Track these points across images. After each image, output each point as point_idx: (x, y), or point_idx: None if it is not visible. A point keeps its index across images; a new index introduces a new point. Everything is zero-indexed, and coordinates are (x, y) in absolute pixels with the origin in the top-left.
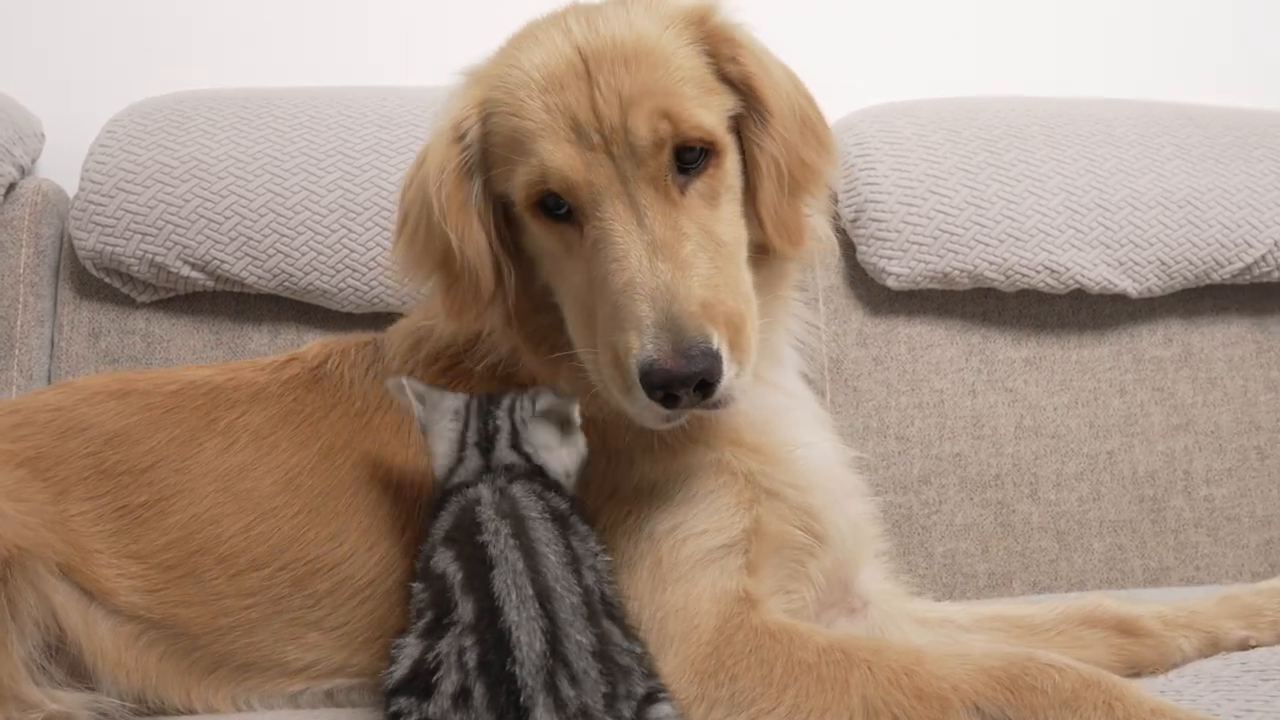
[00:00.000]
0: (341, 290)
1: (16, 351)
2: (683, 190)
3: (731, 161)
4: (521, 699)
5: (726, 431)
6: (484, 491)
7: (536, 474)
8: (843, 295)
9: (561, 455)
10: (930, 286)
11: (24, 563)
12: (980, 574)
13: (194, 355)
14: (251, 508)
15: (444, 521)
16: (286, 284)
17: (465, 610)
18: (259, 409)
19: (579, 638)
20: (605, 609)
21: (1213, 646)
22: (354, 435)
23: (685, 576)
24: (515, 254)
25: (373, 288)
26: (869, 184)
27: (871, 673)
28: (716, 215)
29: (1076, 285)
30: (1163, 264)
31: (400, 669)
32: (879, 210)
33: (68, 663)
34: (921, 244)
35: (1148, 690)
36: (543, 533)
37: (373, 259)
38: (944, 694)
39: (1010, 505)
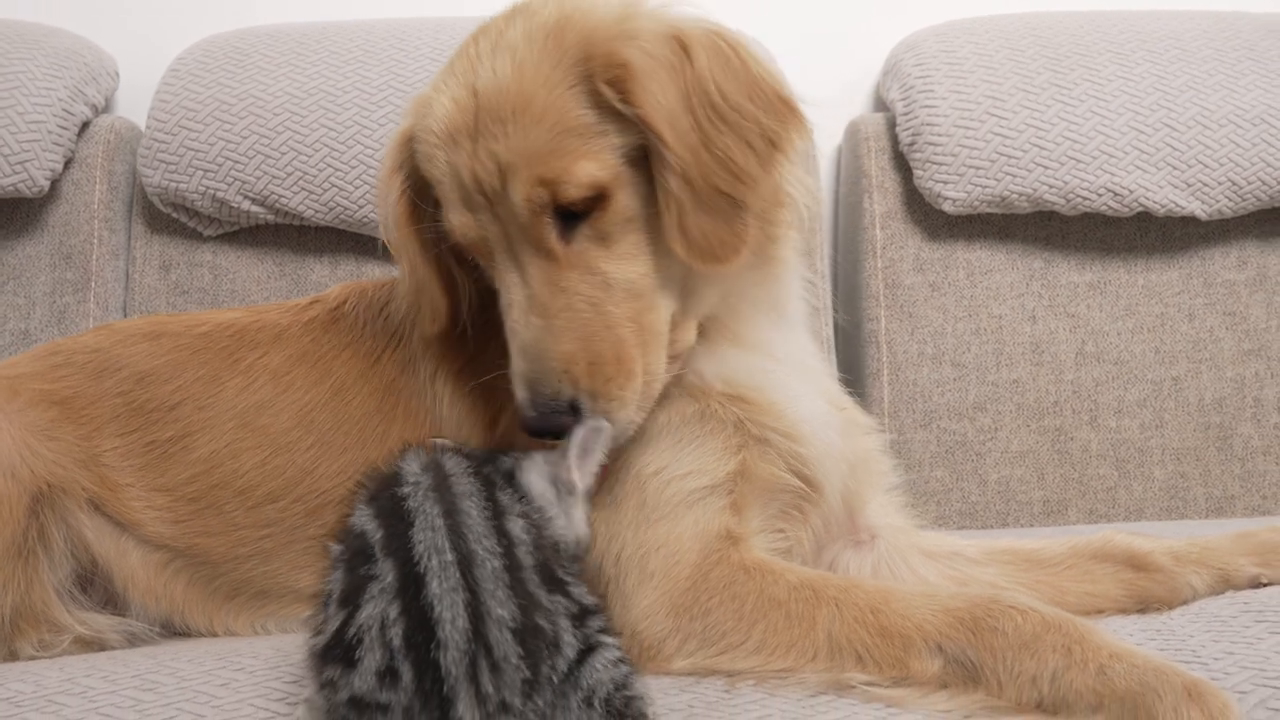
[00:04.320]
0: None
1: (93, 284)
2: (569, 239)
3: (625, 197)
4: (445, 689)
5: (713, 386)
6: (410, 458)
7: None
8: (899, 220)
9: (559, 516)
10: (989, 210)
11: (54, 498)
12: (1035, 501)
13: (258, 286)
14: (268, 443)
15: (365, 490)
16: (342, 217)
17: (385, 568)
18: (279, 349)
19: (500, 611)
20: (536, 560)
21: (1224, 584)
22: (364, 373)
23: (668, 516)
24: None
25: None
26: (926, 106)
27: (839, 610)
28: (610, 253)
29: (1141, 208)
30: (1234, 184)
31: (323, 636)
32: (935, 134)
33: (100, 591)
34: (979, 167)
35: (1111, 634)
36: (465, 485)
37: None
38: (907, 633)
39: (1068, 432)
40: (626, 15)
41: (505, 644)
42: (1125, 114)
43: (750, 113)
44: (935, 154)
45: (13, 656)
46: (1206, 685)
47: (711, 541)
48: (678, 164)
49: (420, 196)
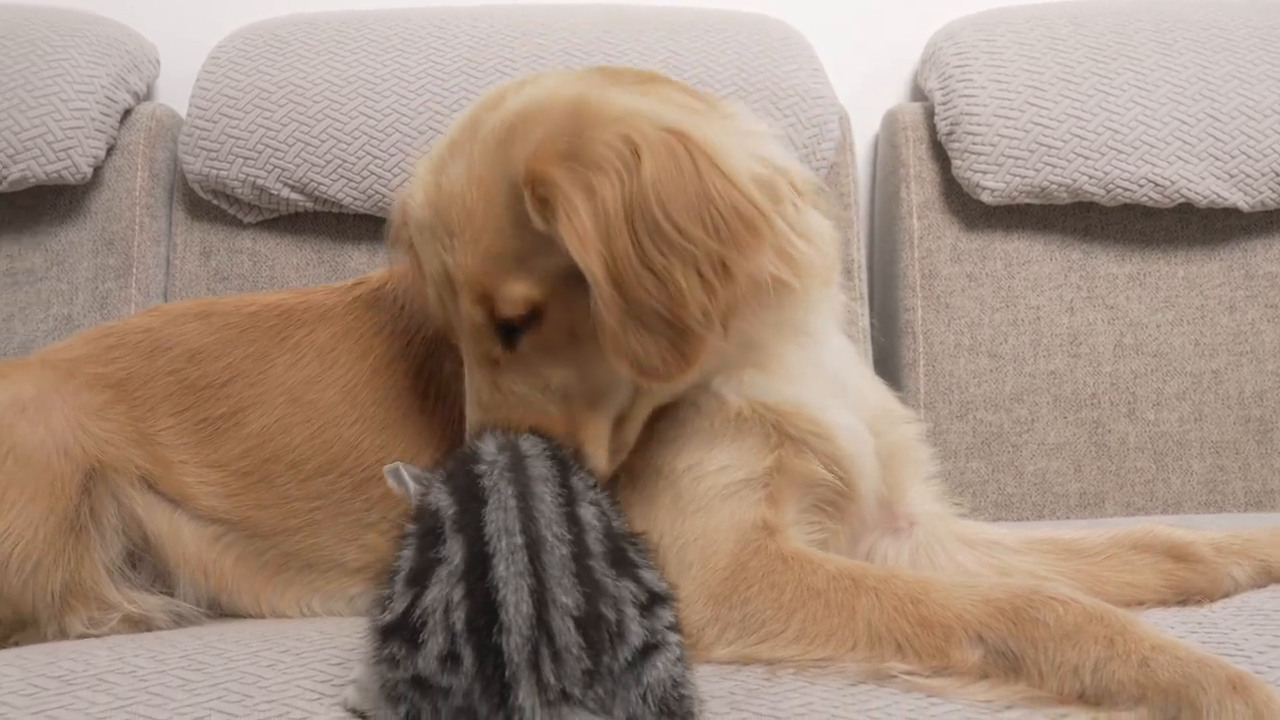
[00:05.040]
0: None
1: (135, 270)
2: (513, 345)
3: (562, 312)
4: (506, 674)
5: (732, 402)
6: (488, 438)
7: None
8: (937, 210)
9: None
10: (1027, 201)
11: (106, 475)
12: (1072, 494)
13: (297, 273)
14: (317, 417)
15: (444, 469)
16: (381, 204)
17: (454, 549)
18: (325, 327)
19: (564, 599)
20: (607, 546)
21: (1266, 575)
22: (401, 351)
23: (704, 508)
24: None
25: None
26: (965, 96)
27: (878, 599)
28: (552, 359)
29: (1183, 199)
30: (1278, 176)
31: (391, 614)
32: (974, 123)
33: (150, 570)
34: (1018, 157)
35: (1153, 626)
36: (541, 469)
37: None
38: (948, 623)
39: (1106, 425)
40: (577, 127)
41: (567, 633)
42: (1168, 104)
43: (696, 236)
44: (974, 144)
45: (62, 633)
46: (1251, 678)
47: (748, 532)
48: (605, 294)
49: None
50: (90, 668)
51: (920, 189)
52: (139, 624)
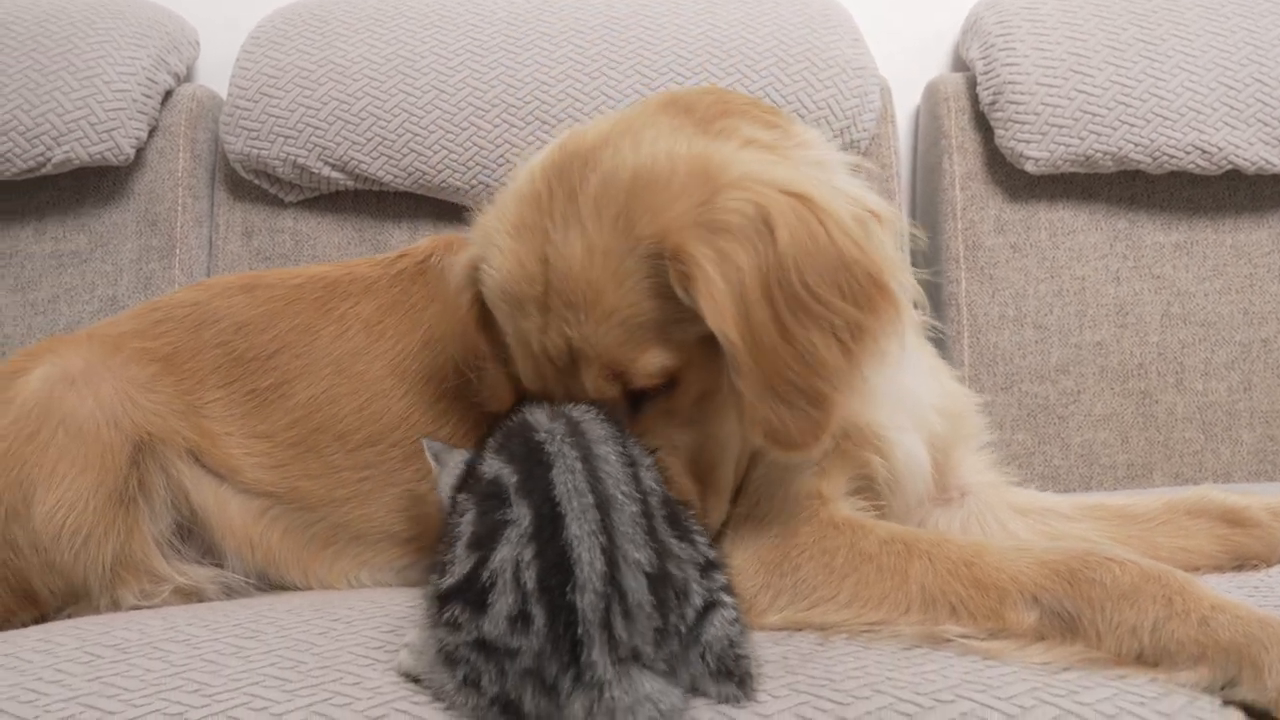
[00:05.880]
0: (473, 186)
1: (178, 250)
2: (639, 410)
3: (696, 378)
4: (578, 632)
5: None
6: (537, 410)
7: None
8: (980, 181)
9: None
10: (1072, 170)
11: (154, 447)
12: (1119, 465)
13: (339, 252)
14: (364, 389)
15: (493, 441)
16: (421, 182)
17: (522, 512)
18: (370, 299)
19: (636, 555)
20: (666, 511)
21: None
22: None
23: (758, 484)
24: None
25: (504, 183)
26: (1008, 65)
27: (931, 563)
28: (675, 422)
29: (1230, 166)
30: None
31: (452, 577)
32: (1017, 92)
33: (198, 543)
34: (1062, 126)
35: (1210, 588)
36: (600, 431)
37: (501, 155)
38: (1003, 585)
39: (1153, 395)
40: (707, 195)
41: (639, 590)
42: (1214, 69)
43: (836, 305)
44: (1017, 113)
45: (115, 605)
46: None
47: (800, 501)
48: (744, 365)
49: (490, 306)
50: (145, 636)
51: (963, 160)
52: (190, 596)
